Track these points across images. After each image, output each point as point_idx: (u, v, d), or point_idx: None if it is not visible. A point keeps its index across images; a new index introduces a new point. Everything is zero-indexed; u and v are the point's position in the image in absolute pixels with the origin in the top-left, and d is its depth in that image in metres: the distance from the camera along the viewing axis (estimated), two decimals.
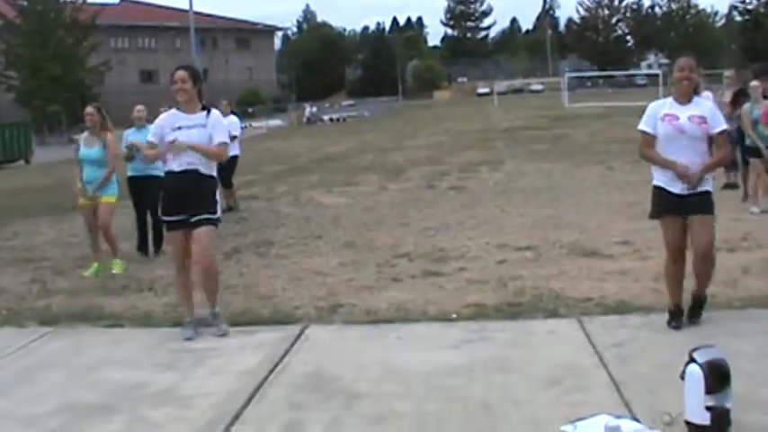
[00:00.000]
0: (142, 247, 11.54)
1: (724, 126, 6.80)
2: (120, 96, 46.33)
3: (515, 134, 33.83)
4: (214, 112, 7.55)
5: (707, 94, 13.37)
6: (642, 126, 6.77)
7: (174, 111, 7.41)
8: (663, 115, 6.67)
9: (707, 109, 6.79)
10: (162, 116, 7.63)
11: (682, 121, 6.61)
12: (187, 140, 7.18)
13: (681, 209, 6.66)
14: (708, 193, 6.74)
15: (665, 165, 6.61)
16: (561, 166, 20.15)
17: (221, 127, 7.56)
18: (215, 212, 7.41)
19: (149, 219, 11.38)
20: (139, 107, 11.69)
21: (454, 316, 7.52)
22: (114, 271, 10.30)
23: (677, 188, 6.64)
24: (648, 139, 6.76)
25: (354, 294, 8.54)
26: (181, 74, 7.32)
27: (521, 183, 17.52)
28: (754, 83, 12.46)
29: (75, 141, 10.60)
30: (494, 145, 29.08)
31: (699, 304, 6.89)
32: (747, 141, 12.28)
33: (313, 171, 23.44)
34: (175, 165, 7.26)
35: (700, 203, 6.65)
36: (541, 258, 9.83)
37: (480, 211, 13.79)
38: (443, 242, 11.14)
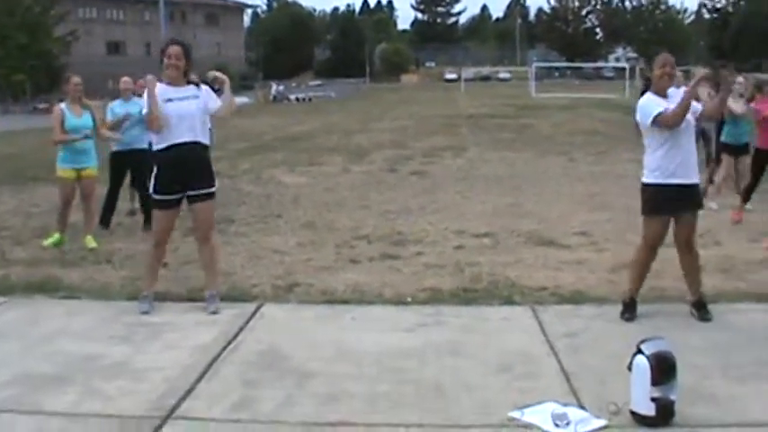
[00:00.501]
0: (105, 219, 11.40)
1: (699, 105, 7.15)
2: (86, 67, 45.69)
3: (481, 121, 33.90)
4: (204, 86, 7.44)
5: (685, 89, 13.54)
6: (656, 110, 6.66)
7: (160, 84, 7.23)
8: (665, 108, 6.74)
9: None
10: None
11: None
12: (184, 112, 7.08)
13: (678, 206, 6.75)
14: (698, 185, 6.96)
15: (692, 95, 6.65)
16: (524, 156, 20.23)
17: (213, 95, 7.47)
18: (215, 185, 7.39)
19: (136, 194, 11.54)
20: (126, 79, 11.59)
21: (409, 299, 7.57)
22: (92, 246, 10.03)
23: (679, 179, 6.69)
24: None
25: (312, 274, 8.56)
26: (176, 50, 7.17)
27: (483, 170, 17.57)
28: (740, 79, 12.71)
29: (55, 110, 10.22)
30: (458, 131, 29.12)
31: (704, 304, 6.95)
32: (722, 138, 12.47)
33: (277, 150, 23.34)
34: (174, 137, 7.06)
35: (695, 199, 6.88)
36: (499, 246, 9.90)
37: (441, 197, 13.85)
38: (403, 226, 11.18)
